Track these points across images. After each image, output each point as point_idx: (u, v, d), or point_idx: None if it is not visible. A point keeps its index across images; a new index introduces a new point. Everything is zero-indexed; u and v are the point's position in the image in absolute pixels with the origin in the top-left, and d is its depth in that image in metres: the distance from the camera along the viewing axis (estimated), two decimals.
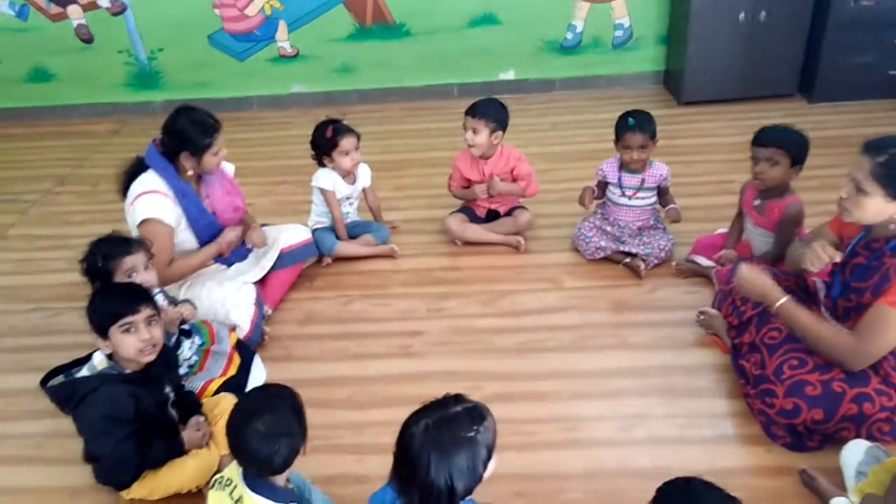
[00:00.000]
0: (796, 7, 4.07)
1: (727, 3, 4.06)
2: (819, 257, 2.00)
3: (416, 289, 2.90)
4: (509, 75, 4.72)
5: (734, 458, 2.04)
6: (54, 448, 2.22)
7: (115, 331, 1.87)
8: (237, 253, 2.77)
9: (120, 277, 2.17)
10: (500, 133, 2.95)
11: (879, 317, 1.82)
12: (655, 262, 2.85)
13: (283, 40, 4.61)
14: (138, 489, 1.97)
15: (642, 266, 2.81)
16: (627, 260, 2.87)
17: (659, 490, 1.37)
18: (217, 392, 2.26)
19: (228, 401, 2.17)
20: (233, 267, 2.75)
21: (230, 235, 2.66)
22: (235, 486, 1.62)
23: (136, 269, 2.18)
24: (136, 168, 2.62)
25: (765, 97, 4.35)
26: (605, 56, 4.64)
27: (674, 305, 2.68)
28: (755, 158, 2.51)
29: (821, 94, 4.23)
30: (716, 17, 4.09)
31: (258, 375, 2.44)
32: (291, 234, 2.87)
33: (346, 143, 2.95)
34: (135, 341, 1.88)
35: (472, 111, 2.92)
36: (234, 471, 1.65)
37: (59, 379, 1.97)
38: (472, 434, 1.40)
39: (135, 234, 2.52)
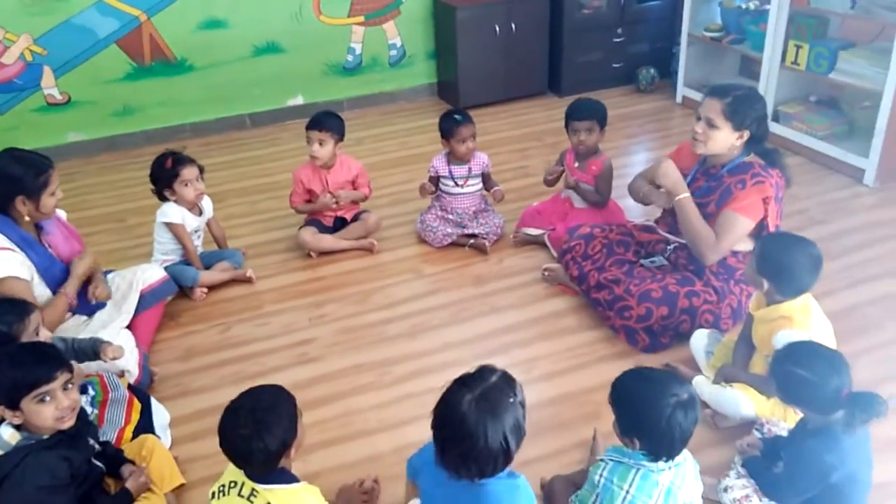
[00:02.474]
0: (537, 18, 4.81)
1: (483, 19, 4.67)
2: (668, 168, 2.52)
3: (289, 303, 2.96)
4: (298, 101, 4.87)
5: (613, 371, 2.37)
6: None
7: (28, 402, 1.72)
8: (95, 303, 2.61)
9: (28, 339, 1.98)
10: (341, 143, 3.15)
11: (728, 219, 2.38)
12: (494, 238, 3.25)
13: (51, 87, 4.25)
14: None
15: (487, 243, 3.20)
16: (472, 241, 3.23)
17: (614, 385, 1.69)
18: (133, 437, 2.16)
19: (152, 441, 2.12)
20: (95, 318, 2.58)
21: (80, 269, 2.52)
22: (243, 484, 1.64)
23: (39, 326, 2.04)
24: None
25: (525, 96, 5.06)
26: (384, 74, 5.02)
27: (521, 270, 3.10)
28: (575, 130, 3.03)
29: (567, 88, 5.03)
30: (477, 32, 4.67)
31: (160, 417, 2.34)
32: (147, 274, 2.75)
33: (187, 172, 2.92)
34: (52, 410, 1.74)
35: (318, 125, 3.09)
36: (234, 474, 1.66)
37: None
38: (513, 396, 1.53)
39: None
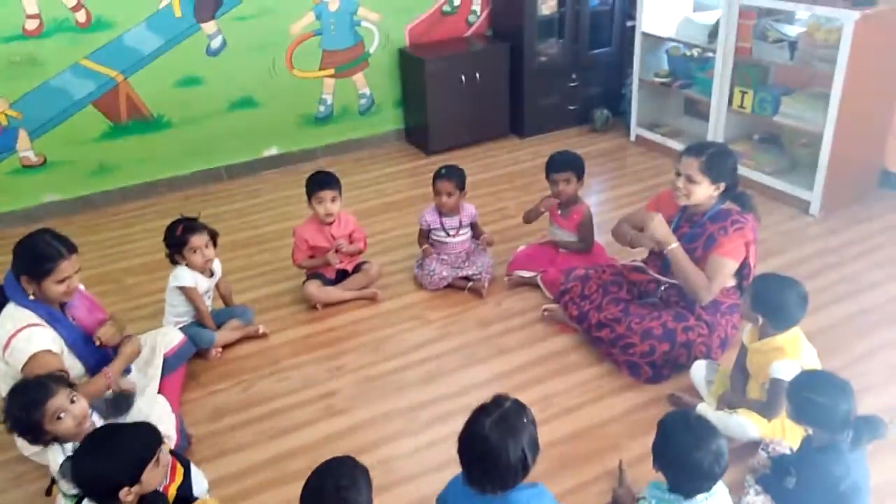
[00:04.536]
0: (498, 67, 5.11)
1: (449, 69, 4.92)
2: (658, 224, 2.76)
3: (305, 356, 3.08)
4: (272, 151, 4.99)
5: (623, 403, 2.72)
6: None
7: (148, 470, 1.87)
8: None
9: (49, 424, 2.05)
10: None
11: (717, 264, 2.67)
12: (487, 277, 3.45)
13: (26, 149, 4.23)
14: None
15: (484, 284, 3.40)
16: (470, 284, 3.44)
17: (660, 425, 1.90)
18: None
19: (211, 503, 2.20)
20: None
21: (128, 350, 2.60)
22: None
23: (63, 410, 2.06)
24: None
25: (489, 139, 5.33)
26: (354, 122, 5.20)
27: (520, 311, 3.32)
28: (555, 181, 3.29)
29: (528, 130, 5.35)
30: (444, 81, 4.92)
31: (199, 482, 2.39)
32: (168, 338, 2.82)
33: (196, 240, 3.00)
34: (162, 469, 1.94)
35: (330, 184, 3.27)
36: None
37: None
38: (526, 418, 1.79)
39: (17, 378, 2.33)
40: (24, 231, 4.17)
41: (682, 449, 1.79)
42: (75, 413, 2.08)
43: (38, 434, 2.04)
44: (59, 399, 2.04)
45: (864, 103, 3.75)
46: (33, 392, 2.05)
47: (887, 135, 4.05)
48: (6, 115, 4.11)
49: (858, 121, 3.78)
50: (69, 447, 2.06)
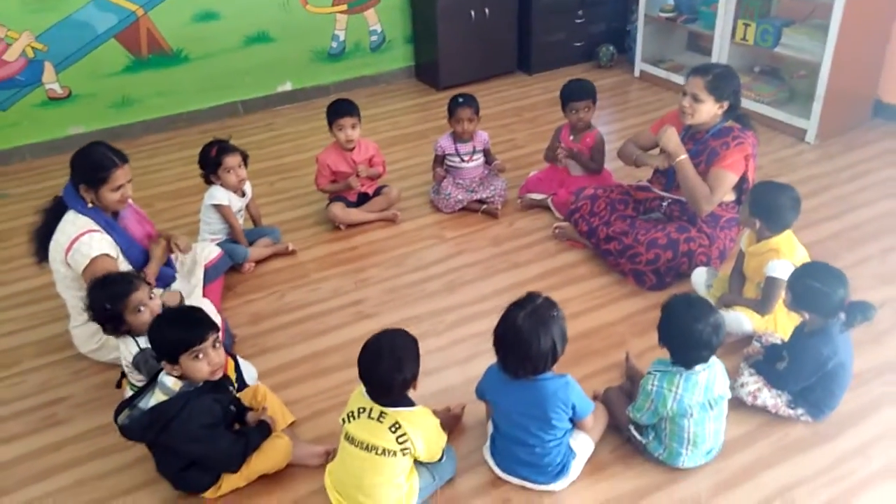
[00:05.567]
0: (507, 3, 5.21)
1: (460, 5, 5.03)
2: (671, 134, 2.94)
3: (332, 270, 3.30)
4: (287, 87, 5.12)
5: (631, 307, 2.95)
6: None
7: (185, 358, 2.03)
8: (164, 276, 2.88)
9: (131, 315, 2.26)
10: None
11: (718, 176, 2.87)
12: (500, 200, 3.65)
13: (52, 82, 4.38)
14: (234, 480, 2.17)
15: (498, 206, 3.60)
16: (484, 207, 3.64)
17: (664, 306, 2.12)
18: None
19: (262, 388, 2.44)
20: (172, 290, 2.86)
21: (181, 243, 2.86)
22: (371, 409, 2.00)
23: (143, 303, 2.27)
24: (56, 209, 2.63)
25: (497, 75, 5.47)
26: (366, 59, 5.33)
27: (532, 230, 3.53)
28: (575, 109, 3.45)
29: (536, 67, 5.48)
30: (454, 17, 5.04)
31: (249, 372, 2.64)
32: (206, 252, 3.03)
33: (230, 160, 3.19)
34: (205, 366, 2.06)
35: (350, 112, 3.43)
36: (360, 401, 2.02)
37: (127, 412, 2.08)
38: (556, 312, 2.02)
39: (76, 279, 2.57)
40: (52, 161, 4.46)
41: (684, 322, 2.01)
42: (153, 308, 2.30)
43: (118, 324, 2.26)
44: (142, 294, 2.26)
45: (860, 34, 3.90)
46: (119, 285, 2.26)
47: (882, 66, 4.21)
48: (32, 47, 4.24)
49: (855, 52, 3.94)
50: (142, 341, 2.28)
